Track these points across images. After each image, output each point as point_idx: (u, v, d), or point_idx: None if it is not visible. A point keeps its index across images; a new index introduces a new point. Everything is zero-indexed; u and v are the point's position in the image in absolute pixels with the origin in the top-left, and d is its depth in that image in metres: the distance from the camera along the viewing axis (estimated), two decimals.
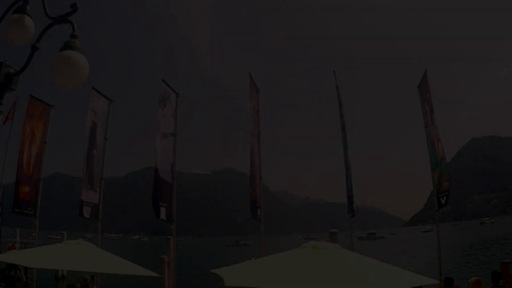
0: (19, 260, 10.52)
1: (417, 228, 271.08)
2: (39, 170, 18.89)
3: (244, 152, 15.04)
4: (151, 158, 18.54)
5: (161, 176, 14.25)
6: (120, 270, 9.18)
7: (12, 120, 26.60)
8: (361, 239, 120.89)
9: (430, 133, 13.98)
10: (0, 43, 4.57)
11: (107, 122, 18.27)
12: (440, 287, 11.03)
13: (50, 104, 19.63)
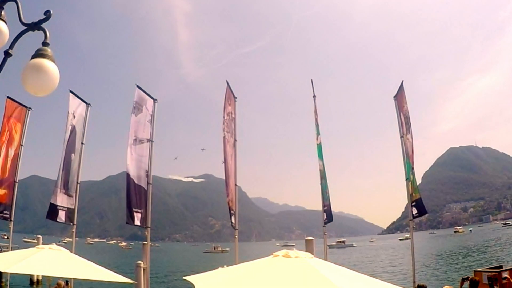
0: None
1: (395, 236, 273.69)
2: (15, 172, 18.67)
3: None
4: None
5: (136, 183, 14.14)
6: (92, 276, 9.11)
7: None
8: (330, 247, 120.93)
9: (405, 143, 14.20)
10: None
11: (85, 126, 18.10)
12: None
13: (27, 106, 19.43)
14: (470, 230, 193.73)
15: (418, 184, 14.38)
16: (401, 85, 14.98)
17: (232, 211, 14.08)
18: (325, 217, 15.10)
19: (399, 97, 14.92)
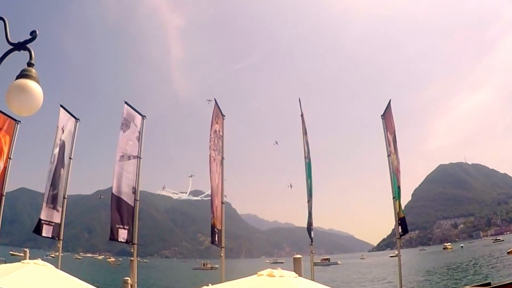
0: None
1: (385, 253, 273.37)
2: (3, 186, 18.55)
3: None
4: None
5: (123, 199, 14.09)
6: None
7: None
8: (315, 264, 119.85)
9: (393, 162, 14.31)
10: None
11: (73, 141, 18.09)
12: None
13: (16, 119, 19.39)
14: (461, 246, 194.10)
15: (408, 201, 14.53)
16: (389, 104, 15.15)
17: (216, 230, 14.02)
18: (312, 236, 15.13)
19: (387, 116, 15.07)
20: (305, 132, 16.20)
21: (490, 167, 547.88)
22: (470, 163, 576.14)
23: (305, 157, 15.90)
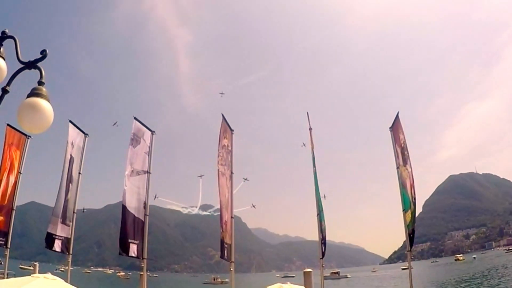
0: None
1: (397, 265, 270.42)
2: (13, 200, 18.72)
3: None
4: None
5: (133, 214, 14.12)
6: None
7: None
8: (325, 278, 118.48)
9: (402, 174, 14.19)
10: None
11: (82, 156, 18.21)
12: None
13: (26, 134, 19.57)
14: (474, 258, 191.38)
15: (419, 213, 14.38)
16: (397, 116, 15.09)
17: (225, 244, 13.97)
18: (323, 250, 15.04)
19: (395, 128, 15.01)
20: (313, 146, 16.19)
21: (501, 177, 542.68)
22: (480, 173, 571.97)
23: (313, 171, 15.85)
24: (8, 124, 18.87)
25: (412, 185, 13.93)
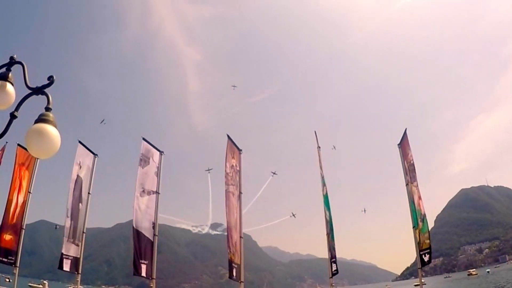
0: None
1: (409, 282, 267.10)
2: (22, 219, 18.84)
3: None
4: None
5: (143, 233, 14.15)
6: None
7: (0, 165, 26.55)
8: None
9: (411, 191, 14.08)
10: None
11: (91, 177, 18.32)
12: None
13: None
14: (488, 272, 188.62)
15: (430, 228, 14.21)
16: (405, 132, 15.05)
17: (234, 264, 13.90)
18: (334, 269, 14.91)
19: (403, 144, 14.97)
20: (321, 165, 16.18)
21: None
22: (492, 185, 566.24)
23: (322, 190, 15.81)
24: (18, 144, 19.12)
25: (419, 201, 13.82)
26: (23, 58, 5.03)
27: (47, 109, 4.50)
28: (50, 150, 4.22)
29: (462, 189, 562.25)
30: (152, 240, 14.71)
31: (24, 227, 18.98)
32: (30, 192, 19.32)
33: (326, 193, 15.92)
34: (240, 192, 15.52)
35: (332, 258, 15.14)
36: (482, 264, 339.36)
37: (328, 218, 15.56)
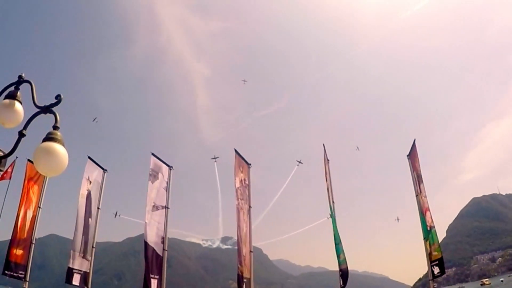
0: None
1: None
2: (32, 234, 18.94)
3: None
4: None
5: (153, 248, 14.16)
6: None
7: (10, 179, 26.70)
8: None
9: (420, 202, 13.97)
10: None
11: (101, 192, 18.40)
12: None
13: None
14: (502, 281, 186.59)
15: (443, 238, 14.09)
16: (413, 144, 14.97)
17: (244, 279, 13.82)
18: (341, 282, 14.77)
19: (412, 156, 14.90)
20: (327, 178, 16.10)
21: None
22: (503, 193, 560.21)
23: (329, 203, 15.72)
24: (29, 160, 19.24)
25: (427, 212, 13.71)
26: (35, 77, 5.11)
27: (55, 127, 4.58)
28: (58, 168, 4.29)
29: (474, 198, 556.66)
30: (161, 255, 14.71)
31: (34, 242, 19.08)
32: (40, 207, 19.42)
33: (332, 206, 15.83)
34: (250, 206, 15.47)
35: (340, 271, 15.02)
36: (495, 273, 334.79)
37: (335, 232, 15.47)
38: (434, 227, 13.64)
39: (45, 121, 4.90)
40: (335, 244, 15.39)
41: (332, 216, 15.70)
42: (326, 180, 16.10)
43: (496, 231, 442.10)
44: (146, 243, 14.30)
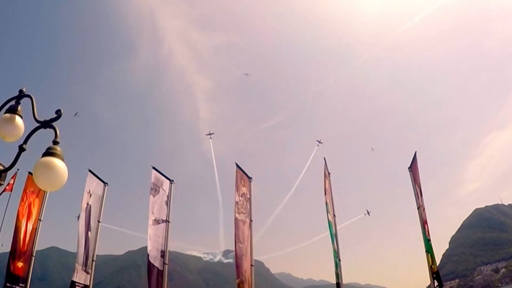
0: None
1: None
2: (33, 246, 18.91)
3: None
4: None
5: (153, 263, 14.13)
6: None
7: (11, 192, 26.75)
8: None
9: (421, 214, 13.90)
10: None
11: (101, 205, 18.39)
12: None
13: None
14: None
15: (445, 249, 14.05)
16: (414, 156, 14.95)
17: None
18: None
19: (413, 168, 14.85)
20: (327, 192, 16.05)
21: None
22: (506, 203, 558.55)
23: (327, 217, 15.64)
24: (30, 172, 19.23)
25: (425, 225, 13.66)
26: (37, 88, 5.16)
27: (55, 142, 4.59)
28: (57, 183, 4.31)
29: (476, 209, 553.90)
30: (162, 269, 14.65)
31: (34, 255, 19.06)
32: (40, 220, 19.42)
33: (330, 220, 15.76)
34: (251, 220, 15.40)
35: (337, 285, 14.92)
36: (499, 284, 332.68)
37: (334, 245, 15.41)
38: (430, 240, 13.61)
39: (49, 131, 4.93)
40: (334, 257, 15.31)
41: (331, 231, 15.62)
42: (325, 194, 16.02)
43: (499, 242, 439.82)
44: (148, 257, 14.27)
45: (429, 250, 13.67)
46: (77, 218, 17.77)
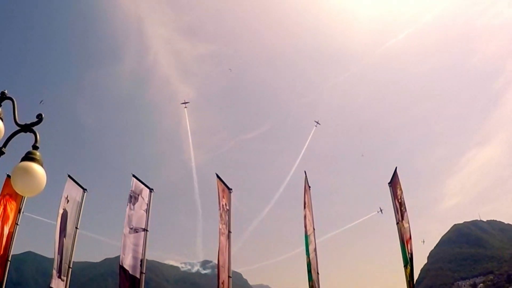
0: None
1: None
2: (8, 251, 18.56)
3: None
4: None
5: (128, 271, 13.96)
6: None
7: None
8: None
9: (401, 229, 14.04)
10: None
11: (79, 211, 18.15)
12: None
13: None
14: None
15: (424, 264, 14.15)
16: (395, 171, 15.13)
17: None
18: None
19: (394, 183, 15.01)
20: (305, 206, 16.12)
21: (506, 222, 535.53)
22: (485, 219, 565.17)
23: (305, 231, 15.69)
24: (8, 175, 18.86)
25: (408, 241, 13.77)
26: (20, 93, 5.09)
27: (34, 147, 4.54)
28: (36, 189, 4.26)
29: (455, 225, 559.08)
30: (139, 277, 14.49)
31: (9, 259, 18.71)
32: (17, 224, 19.05)
33: (309, 234, 15.81)
34: (229, 231, 15.39)
35: None
36: None
37: (308, 260, 15.45)
38: (412, 255, 13.74)
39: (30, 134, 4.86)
40: (307, 271, 15.33)
41: (306, 244, 15.65)
42: (305, 208, 16.07)
43: (477, 257, 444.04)
44: (121, 266, 14.08)
45: (407, 264, 13.77)
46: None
